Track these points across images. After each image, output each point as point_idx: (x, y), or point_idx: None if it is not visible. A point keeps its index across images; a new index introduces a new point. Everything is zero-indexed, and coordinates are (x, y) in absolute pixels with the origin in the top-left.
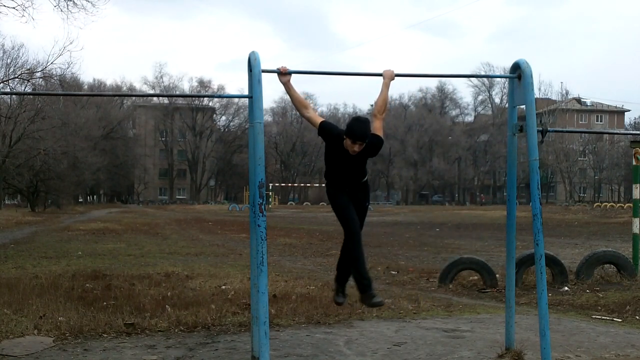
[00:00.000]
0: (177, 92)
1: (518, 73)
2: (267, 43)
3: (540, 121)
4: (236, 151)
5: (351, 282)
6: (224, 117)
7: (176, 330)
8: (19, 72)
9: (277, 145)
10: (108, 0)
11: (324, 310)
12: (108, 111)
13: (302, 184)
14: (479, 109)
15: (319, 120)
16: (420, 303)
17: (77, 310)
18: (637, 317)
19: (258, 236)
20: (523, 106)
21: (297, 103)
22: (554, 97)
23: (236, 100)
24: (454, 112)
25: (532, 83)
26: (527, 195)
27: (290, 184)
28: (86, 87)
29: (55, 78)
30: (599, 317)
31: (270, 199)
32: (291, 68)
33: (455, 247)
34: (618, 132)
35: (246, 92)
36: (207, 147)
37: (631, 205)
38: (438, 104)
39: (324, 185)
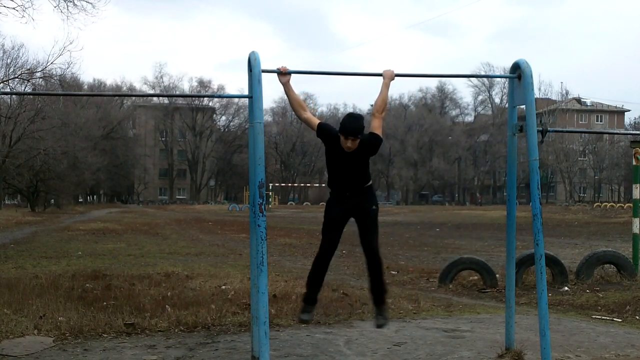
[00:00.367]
0: (177, 92)
1: (518, 73)
2: (267, 43)
3: (540, 121)
4: (236, 151)
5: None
6: (224, 117)
7: (176, 330)
8: (19, 72)
9: (277, 145)
10: (108, 1)
11: (324, 310)
12: (108, 111)
13: (302, 184)
14: (479, 109)
15: (317, 121)
16: (420, 303)
17: (77, 310)
18: (637, 317)
19: (258, 236)
20: (523, 106)
21: (295, 104)
22: (554, 97)
23: (236, 100)
24: (454, 112)
25: (532, 83)
26: (527, 195)
27: (290, 184)
28: (86, 87)
29: (55, 78)
30: (599, 317)
31: (270, 199)
32: (291, 68)
33: (455, 247)
34: (618, 132)
35: (246, 92)
36: (207, 147)
37: (631, 205)
38: (438, 104)
39: (324, 185)
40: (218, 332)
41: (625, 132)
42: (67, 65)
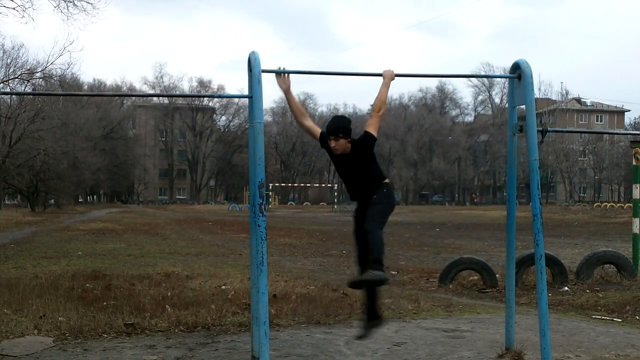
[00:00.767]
0: (177, 92)
1: (518, 73)
2: (267, 43)
3: (540, 121)
4: (236, 151)
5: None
6: (224, 117)
7: (176, 330)
8: (19, 72)
9: (277, 145)
10: (109, 2)
11: (324, 310)
12: (108, 111)
13: (302, 184)
14: (479, 109)
15: (319, 130)
16: (420, 303)
17: (77, 310)
18: (637, 317)
19: (258, 236)
20: (523, 106)
21: (296, 112)
22: (554, 97)
23: (236, 100)
24: (454, 112)
25: (532, 83)
26: (527, 195)
27: (290, 184)
28: (86, 87)
29: (55, 78)
30: (599, 317)
31: (270, 199)
32: (291, 68)
33: (455, 247)
34: (618, 132)
35: (246, 92)
36: (207, 147)
37: (631, 205)
38: (438, 104)
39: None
40: (218, 332)
41: (625, 132)
42: (67, 66)
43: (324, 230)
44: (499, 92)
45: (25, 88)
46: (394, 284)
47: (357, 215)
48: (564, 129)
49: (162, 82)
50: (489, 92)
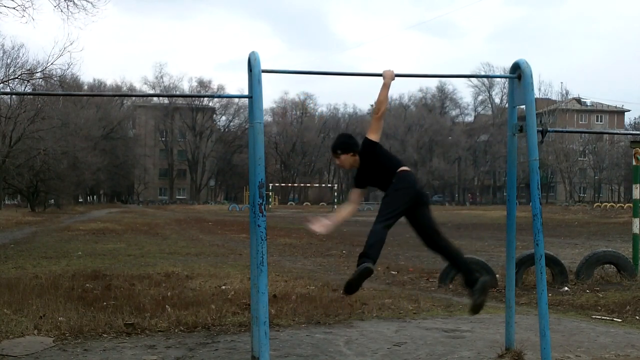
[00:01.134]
0: (177, 92)
1: (518, 73)
2: (267, 43)
3: (540, 121)
4: (236, 151)
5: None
6: (224, 117)
7: (176, 330)
8: (19, 73)
9: (277, 145)
10: (108, 0)
11: (324, 310)
12: (108, 111)
13: (302, 184)
14: (479, 109)
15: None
16: (420, 303)
17: (77, 310)
18: (637, 317)
19: (258, 236)
20: (523, 106)
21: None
22: (554, 97)
23: (236, 100)
24: (454, 112)
25: (532, 83)
26: (527, 195)
27: (290, 184)
28: (86, 87)
29: (55, 78)
30: (599, 317)
31: (270, 199)
32: (291, 68)
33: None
34: (618, 132)
35: (246, 92)
36: (207, 147)
37: (631, 205)
38: (438, 104)
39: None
40: (218, 332)
41: (625, 132)
42: (67, 66)
43: None
44: (499, 92)
45: (25, 88)
46: (394, 283)
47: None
48: (564, 129)
49: (162, 82)
50: (489, 92)
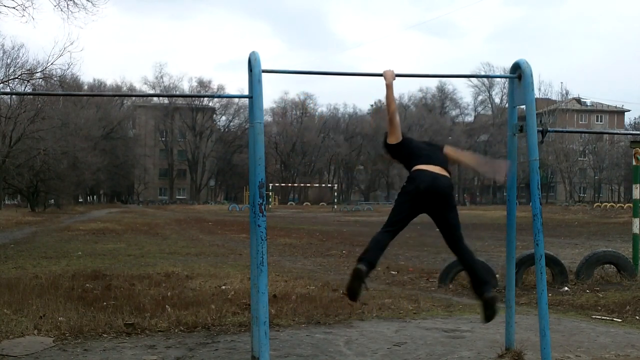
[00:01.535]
0: (177, 92)
1: (518, 73)
2: (267, 43)
3: (540, 121)
4: (236, 151)
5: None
6: (224, 117)
7: (176, 330)
8: (19, 73)
9: (277, 145)
10: (108, 0)
11: (324, 310)
12: (108, 111)
13: (302, 184)
14: (479, 109)
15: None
16: (420, 303)
17: (77, 310)
18: (637, 317)
19: (258, 236)
20: (523, 106)
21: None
22: (554, 97)
23: (236, 100)
24: (454, 112)
25: (532, 83)
26: (527, 195)
27: (290, 184)
28: (86, 87)
29: (55, 78)
30: (599, 317)
31: (270, 199)
32: (291, 68)
33: None
34: (618, 132)
35: (246, 92)
36: (207, 147)
37: (631, 205)
38: (438, 104)
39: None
40: (218, 332)
41: (625, 132)
42: (67, 66)
43: (324, 230)
44: (499, 92)
45: (25, 88)
46: (394, 283)
47: None
48: (564, 129)
49: (162, 82)
50: (489, 92)
